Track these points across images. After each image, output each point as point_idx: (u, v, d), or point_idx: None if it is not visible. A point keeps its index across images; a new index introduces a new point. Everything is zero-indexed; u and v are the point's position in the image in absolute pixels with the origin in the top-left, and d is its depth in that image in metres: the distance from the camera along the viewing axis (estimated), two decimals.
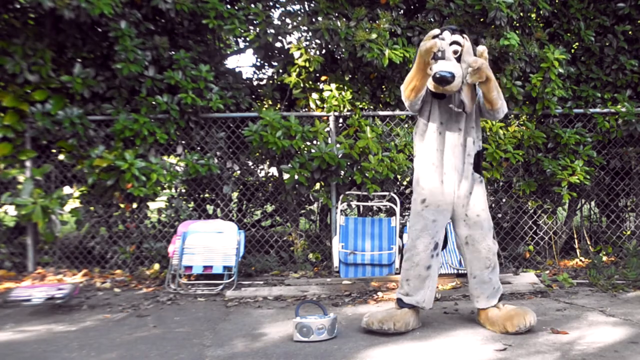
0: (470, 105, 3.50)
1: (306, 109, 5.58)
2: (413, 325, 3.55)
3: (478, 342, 3.32)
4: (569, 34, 5.70)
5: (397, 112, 5.49)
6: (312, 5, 5.60)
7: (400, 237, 5.19)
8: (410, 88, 3.43)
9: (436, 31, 3.41)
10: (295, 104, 5.71)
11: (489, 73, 3.35)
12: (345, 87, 5.36)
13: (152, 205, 5.71)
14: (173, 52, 5.32)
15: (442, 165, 3.51)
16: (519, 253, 5.45)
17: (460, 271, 4.95)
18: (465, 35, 3.50)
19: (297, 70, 5.34)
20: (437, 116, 3.51)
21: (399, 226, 5.22)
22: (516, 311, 3.46)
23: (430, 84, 3.42)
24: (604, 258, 5.46)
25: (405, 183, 5.90)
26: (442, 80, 3.30)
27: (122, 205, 5.43)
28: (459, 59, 3.44)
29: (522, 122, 5.56)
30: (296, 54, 5.24)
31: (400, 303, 3.57)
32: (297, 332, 3.37)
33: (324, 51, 5.41)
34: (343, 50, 5.15)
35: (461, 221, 3.54)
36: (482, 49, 3.36)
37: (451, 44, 3.42)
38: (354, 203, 5.60)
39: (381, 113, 5.48)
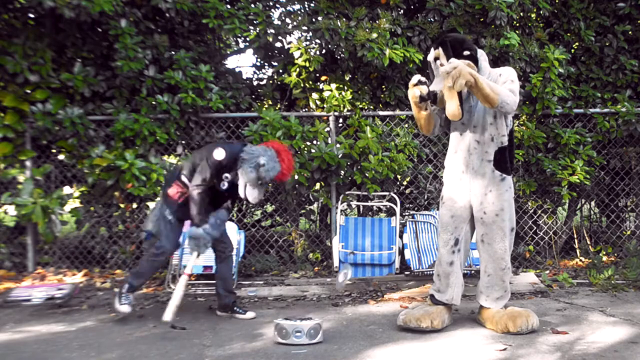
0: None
1: (306, 109, 5.57)
2: (448, 322, 3.60)
3: (478, 342, 3.32)
4: (569, 34, 5.70)
5: (397, 112, 5.49)
6: (312, 5, 5.60)
7: (400, 237, 5.19)
8: (420, 126, 3.65)
9: (415, 79, 3.41)
10: (295, 104, 5.71)
11: (469, 78, 3.16)
12: (345, 87, 5.36)
13: (152, 205, 5.69)
14: (173, 52, 5.31)
15: (461, 164, 3.57)
16: (519, 253, 5.44)
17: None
18: (439, 45, 3.44)
19: (297, 70, 5.34)
20: None
21: (399, 226, 5.22)
22: (520, 312, 3.48)
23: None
24: (604, 258, 5.47)
25: (405, 183, 5.90)
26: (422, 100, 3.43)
27: (122, 205, 5.42)
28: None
29: (522, 122, 5.56)
30: (296, 54, 5.24)
31: (434, 299, 3.64)
32: (277, 333, 3.35)
33: (324, 51, 5.40)
34: (343, 50, 5.15)
35: (478, 219, 3.56)
36: (447, 68, 3.22)
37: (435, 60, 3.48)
38: (354, 203, 5.59)
39: (381, 113, 5.48)
